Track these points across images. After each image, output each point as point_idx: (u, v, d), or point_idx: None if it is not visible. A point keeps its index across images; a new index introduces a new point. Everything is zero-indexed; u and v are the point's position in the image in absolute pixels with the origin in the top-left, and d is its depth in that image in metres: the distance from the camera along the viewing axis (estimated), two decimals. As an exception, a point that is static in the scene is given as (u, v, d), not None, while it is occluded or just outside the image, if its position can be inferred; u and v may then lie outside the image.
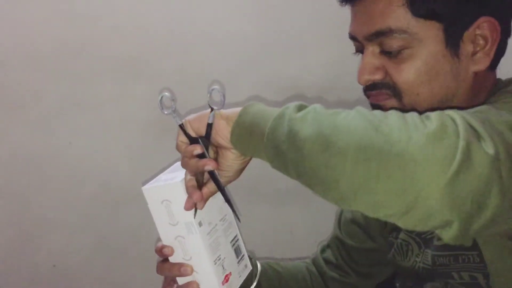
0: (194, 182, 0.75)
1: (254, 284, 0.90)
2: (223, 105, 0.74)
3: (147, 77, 1.40)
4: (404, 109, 0.75)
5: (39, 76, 1.34)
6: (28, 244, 1.39)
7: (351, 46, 0.85)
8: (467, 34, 0.74)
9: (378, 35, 0.75)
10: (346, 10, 0.83)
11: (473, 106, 0.77)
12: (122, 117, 1.41)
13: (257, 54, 1.46)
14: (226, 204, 0.83)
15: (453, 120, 0.57)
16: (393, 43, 0.74)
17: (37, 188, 1.39)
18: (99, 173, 1.41)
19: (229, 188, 0.83)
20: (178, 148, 0.76)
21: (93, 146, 1.40)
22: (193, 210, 0.76)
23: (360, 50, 0.81)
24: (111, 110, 1.40)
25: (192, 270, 0.78)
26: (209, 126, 0.73)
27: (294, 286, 1.01)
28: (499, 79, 0.82)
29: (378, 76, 0.77)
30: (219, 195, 0.78)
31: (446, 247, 0.78)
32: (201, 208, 0.76)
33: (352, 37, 0.81)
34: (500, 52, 0.77)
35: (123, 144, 1.42)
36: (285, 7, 1.45)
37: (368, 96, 0.81)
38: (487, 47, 0.75)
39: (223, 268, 0.80)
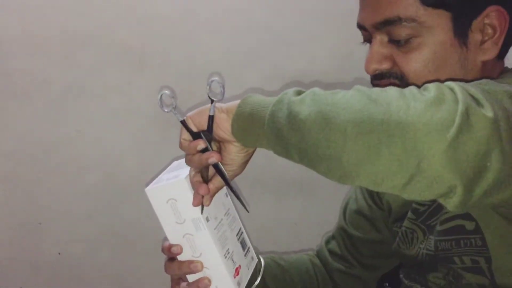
0: (199, 178, 0.74)
1: (259, 279, 0.90)
2: (223, 96, 0.74)
3: (154, 67, 1.40)
4: None
5: (46, 65, 1.34)
6: (34, 232, 1.40)
7: (358, 37, 0.84)
8: (476, 23, 0.74)
9: (387, 24, 0.75)
10: (353, 1, 0.82)
11: None
12: (129, 107, 1.41)
13: (262, 45, 1.46)
14: (228, 198, 0.83)
15: (451, 89, 0.57)
16: (402, 32, 0.74)
17: (43, 176, 1.39)
18: (105, 162, 1.42)
19: (233, 180, 0.83)
20: (181, 146, 0.75)
21: (100, 136, 1.41)
22: (200, 206, 0.76)
23: (368, 39, 0.81)
24: (118, 99, 1.40)
25: (203, 266, 0.77)
26: (211, 118, 0.72)
27: (298, 279, 1.01)
28: (506, 68, 0.81)
29: (385, 66, 0.77)
30: (225, 199, 0.79)
31: (448, 231, 0.78)
32: (208, 205, 0.75)
33: (360, 26, 0.80)
34: (508, 41, 0.77)
35: (130, 134, 1.42)
36: (292, -2, 1.45)
37: (375, 86, 0.80)
38: (496, 36, 0.75)
39: (233, 261, 0.80)
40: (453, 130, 0.53)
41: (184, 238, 0.77)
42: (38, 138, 1.37)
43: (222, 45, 1.44)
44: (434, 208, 0.82)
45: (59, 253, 1.42)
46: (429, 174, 0.54)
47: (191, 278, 0.79)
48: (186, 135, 0.74)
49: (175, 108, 0.75)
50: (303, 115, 0.60)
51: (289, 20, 1.47)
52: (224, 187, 0.78)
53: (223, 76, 1.45)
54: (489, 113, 0.54)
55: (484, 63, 0.76)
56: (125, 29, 1.37)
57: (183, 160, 0.77)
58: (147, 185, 0.78)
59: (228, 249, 0.80)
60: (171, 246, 0.77)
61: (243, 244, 0.85)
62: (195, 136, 0.73)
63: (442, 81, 0.74)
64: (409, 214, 0.87)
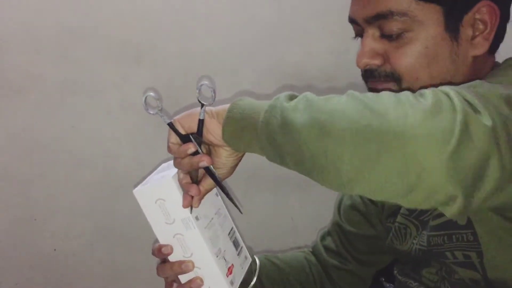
0: (189, 179, 0.74)
1: (254, 279, 0.90)
2: (213, 100, 0.73)
3: (150, 62, 1.40)
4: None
5: (41, 60, 1.34)
6: (30, 228, 1.40)
7: (354, 34, 0.84)
8: (467, 18, 0.74)
9: (379, 18, 0.75)
10: (350, -4, 0.82)
11: None
12: (125, 103, 1.41)
13: (259, 41, 1.46)
14: (219, 198, 0.83)
15: (447, 95, 0.56)
16: (393, 26, 0.74)
17: (38, 172, 1.39)
18: (101, 158, 1.41)
19: (225, 180, 0.82)
20: (170, 150, 0.74)
21: (96, 131, 1.40)
22: (189, 207, 0.75)
23: (359, 34, 0.81)
24: (114, 95, 1.39)
25: (194, 266, 0.77)
26: (201, 122, 0.71)
27: (294, 277, 1.01)
28: (497, 62, 0.82)
29: (377, 61, 0.77)
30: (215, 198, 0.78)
31: (440, 226, 0.78)
32: (197, 206, 0.74)
33: (352, 20, 0.80)
34: (499, 36, 0.78)
35: (125, 130, 1.42)
36: (289, -7, 1.44)
37: (366, 81, 0.81)
38: (486, 31, 0.75)
39: (225, 260, 0.80)
40: (453, 141, 0.53)
41: (174, 239, 0.76)
42: (33, 134, 1.37)
43: (218, 41, 1.44)
44: None
45: (55, 250, 1.41)
46: (429, 185, 0.54)
47: (183, 278, 0.78)
48: (174, 139, 0.73)
49: (161, 110, 0.74)
50: (298, 123, 0.59)
51: (285, 17, 1.47)
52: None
53: (219, 72, 1.45)
54: (487, 121, 0.54)
55: (475, 58, 0.76)
56: (121, 25, 1.36)
57: (172, 162, 0.76)
58: (135, 186, 0.78)
59: (220, 248, 0.79)
60: (161, 246, 0.77)
61: (235, 243, 0.84)
62: (184, 139, 0.72)
63: (434, 76, 0.74)
64: (402, 210, 0.87)
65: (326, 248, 1.05)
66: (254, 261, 0.93)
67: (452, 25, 0.74)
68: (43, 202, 1.40)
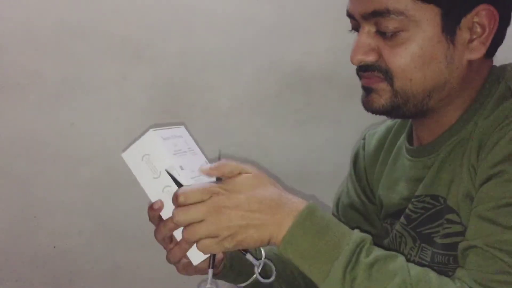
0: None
1: (273, 277, 0.89)
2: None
3: (149, 58, 1.40)
4: (395, 94, 0.76)
5: (40, 57, 1.34)
6: (29, 225, 1.40)
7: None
8: (465, 21, 0.74)
9: (375, 15, 0.74)
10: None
11: (465, 94, 0.77)
12: (124, 99, 1.41)
13: (259, 38, 1.46)
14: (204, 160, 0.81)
15: None
16: (389, 24, 0.73)
17: (38, 169, 1.39)
18: (100, 155, 1.42)
19: None
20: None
21: (95, 128, 1.41)
22: (172, 155, 0.75)
23: (356, 28, 0.80)
24: (113, 91, 1.39)
25: None
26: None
27: (298, 271, 1.01)
28: (494, 66, 0.81)
29: (371, 58, 0.76)
30: (200, 158, 0.79)
31: (448, 246, 0.78)
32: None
33: (349, 15, 0.80)
34: (497, 41, 0.76)
35: (124, 126, 1.42)
36: (289, -10, 1.44)
37: (360, 77, 0.80)
38: (484, 35, 0.74)
39: None
40: None
41: (164, 193, 0.75)
42: (33, 131, 1.37)
43: (218, 38, 1.44)
44: (426, 216, 0.82)
45: (55, 247, 1.42)
46: None
47: (178, 235, 0.76)
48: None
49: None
50: None
51: (285, 15, 1.46)
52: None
53: (219, 70, 1.45)
54: None
55: (470, 62, 0.76)
56: (120, 22, 1.36)
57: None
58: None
59: None
60: (152, 204, 0.75)
61: None
62: None
63: (427, 78, 0.74)
64: (401, 219, 0.86)
65: None
66: (260, 252, 0.92)
67: (449, 27, 0.73)
68: (43, 199, 1.40)
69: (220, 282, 0.85)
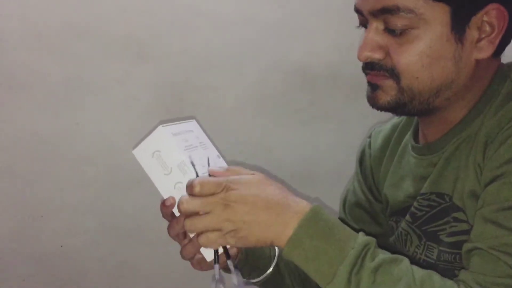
0: None
1: (272, 265, 0.89)
2: None
3: (153, 58, 1.40)
4: (401, 91, 0.76)
5: (44, 57, 1.34)
6: (35, 225, 1.41)
7: (359, 29, 0.84)
8: (474, 20, 0.73)
9: (384, 12, 0.74)
10: (354, -8, 0.81)
11: (472, 92, 0.77)
12: (129, 99, 1.41)
13: (263, 37, 1.46)
14: (221, 159, 0.81)
15: None
16: (398, 22, 0.73)
17: (43, 169, 1.39)
18: (105, 154, 1.42)
19: None
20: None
21: (99, 128, 1.41)
22: (183, 151, 0.75)
23: (363, 24, 0.80)
24: (117, 91, 1.40)
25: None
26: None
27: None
28: (501, 64, 0.80)
29: (378, 55, 0.76)
30: (212, 152, 0.79)
31: (454, 245, 0.78)
32: None
33: (357, 10, 0.79)
34: (505, 40, 0.76)
35: (128, 125, 1.42)
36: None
37: (366, 74, 0.80)
38: (493, 35, 0.74)
39: None
40: None
41: (175, 189, 0.75)
42: (38, 131, 1.37)
43: (221, 38, 1.44)
44: (432, 214, 0.82)
45: (61, 246, 1.42)
46: None
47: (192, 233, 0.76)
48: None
49: None
50: None
51: (289, 12, 1.46)
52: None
53: (223, 69, 1.45)
54: None
55: (478, 61, 0.76)
56: (123, 21, 1.36)
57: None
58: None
59: None
60: (164, 200, 0.75)
61: None
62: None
63: (434, 77, 0.74)
64: (407, 217, 0.86)
65: None
66: (273, 248, 0.92)
67: (459, 26, 0.73)
68: (48, 199, 1.40)
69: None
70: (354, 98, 1.48)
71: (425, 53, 0.73)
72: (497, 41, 0.74)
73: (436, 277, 0.68)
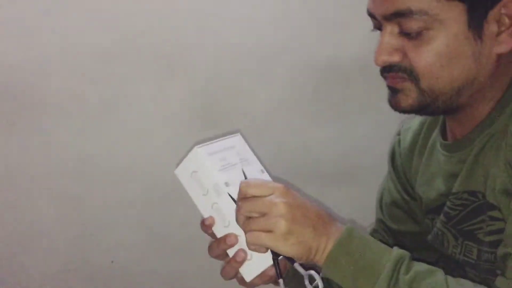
0: None
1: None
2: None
3: (184, 72, 1.41)
4: (422, 93, 0.74)
5: (80, 80, 1.38)
6: (87, 242, 1.45)
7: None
8: (492, 14, 0.71)
9: (397, 15, 0.72)
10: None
11: (496, 87, 0.75)
12: (165, 114, 1.43)
13: (290, 36, 1.45)
14: (265, 174, 0.82)
15: None
16: (413, 25, 0.71)
17: (90, 188, 1.44)
18: (146, 169, 1.45)
19: (271, 171, 0.83)
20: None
21: (140, 145, 1.44)
22: (217, 172, 0.75)
23: (378, 27, 0.79)
24: (154, 108, 1.42)
25: (236, 236, 0.75)
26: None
27: None
28: None
29: (395, 58, 0.75)
30: (255, 167, 0.80)
31: (494, 244, 0.76)
32: None
33: (370, 14, 0.78)
34: None
35: (168, 141, 1.44)
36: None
37: (384, 78, 0.79)
38: None
39: None
40: None
41: (213, 209, 0.76)
42: (81, 151, 1.41)
43: (249, 41, 1.44)
44: (466, 213, 0.80)
45: (112, 262, 1.47)
46: None
47: (231, 252, 0.77)
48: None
49: None
50: None
51: (317, 9, 1.45)
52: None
53: (254, 73, 1.45)
54: None
55: (500, 56, 0.73)
56: (151, 39, 1.38)
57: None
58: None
59: None
60: (203, 220, 0.77)
61: None
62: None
63: (455, 76, 0.72)
64: (441, 217, 0.85)
65: None
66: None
67: (476, 23, 0.71)
68: (97, 216, 1.45)
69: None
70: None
71: (443, 53, 0.72)
72: None
73: (469, 286, 0.67)
